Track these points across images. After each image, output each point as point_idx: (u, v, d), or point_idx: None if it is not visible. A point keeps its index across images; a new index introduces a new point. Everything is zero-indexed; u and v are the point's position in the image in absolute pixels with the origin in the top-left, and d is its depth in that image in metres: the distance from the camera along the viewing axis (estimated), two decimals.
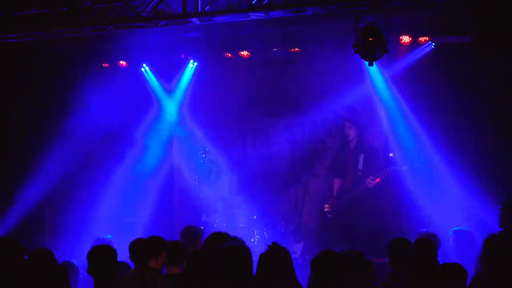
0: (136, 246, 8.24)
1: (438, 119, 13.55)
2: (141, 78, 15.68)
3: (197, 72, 15.59)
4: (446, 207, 13.13)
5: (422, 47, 13.72)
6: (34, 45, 13.37)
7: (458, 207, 13.04)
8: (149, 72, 15.66)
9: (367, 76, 14.10)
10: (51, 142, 14.59)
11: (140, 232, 12.23)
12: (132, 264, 8.38)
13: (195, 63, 15.44)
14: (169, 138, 16.35)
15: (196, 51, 15.20)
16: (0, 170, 14.36)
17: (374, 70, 13.77)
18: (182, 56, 15.40)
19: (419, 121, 13.75)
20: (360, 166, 13.20)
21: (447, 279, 6.33)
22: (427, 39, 13.47)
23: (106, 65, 15.56)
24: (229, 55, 15.09)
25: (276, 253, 7.18)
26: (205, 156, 15.04)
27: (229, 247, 5.86)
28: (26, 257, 8.21)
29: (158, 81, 15.82)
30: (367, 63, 10.82)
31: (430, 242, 7.99)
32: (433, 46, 13.50)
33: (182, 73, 15.65)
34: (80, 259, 8.82)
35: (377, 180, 12.85)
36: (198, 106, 16.01)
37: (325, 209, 13.52)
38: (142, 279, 7.57)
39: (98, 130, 15.25)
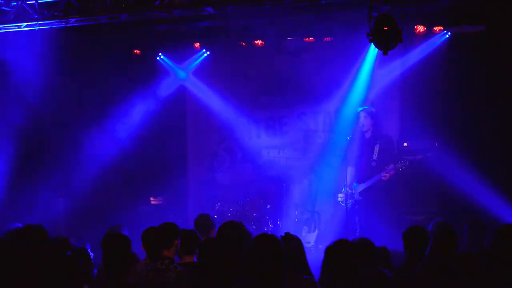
0: (148, 235, 8.25)
1: (454, 108, 13.51)
2: (156, 67, 15.74)
3: (211, 61, 15.59)
4: (460, 196, 13.10)
5: (437, 36, 13.68)
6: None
7: (472, 196, 13.00)
8: (166, 60, 15.69)
9: (381, 66, 14.05)
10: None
11: (154, 220, 12.24)
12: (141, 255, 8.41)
13: (207, 52, 15.42)
14: (183, 126, 16.40)
15: (210, 40, 15.18)
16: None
17: (388, 59, 13.72)
18: (198, 45, 15.40)
19: (434, 109, 13.72)
20: (375, 156, 13.15)
21: (465, 268, 6.32)
22: (442, 28, 13.43)
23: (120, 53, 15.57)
24: (243, 44, 15.07)
25: (289, 244, 7.20)
26: (219, 145, 15.03)
27: (262, 237, 5.84)
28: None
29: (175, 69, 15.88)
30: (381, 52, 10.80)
31: (451, 231, 7.99)
32: (448, 36, 13.46)
33: (195, 62, 15.67)
34: (92, 247, 8.84)
35: (392, 172, 12.81)
36: (212, 94, 16.03)
37: (339, 199, 13.49)
38: (155, 268, 7.58)
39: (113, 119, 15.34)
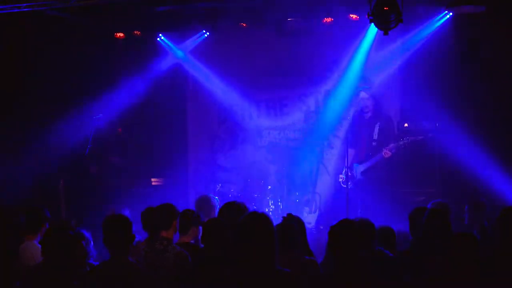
0: (147, 216, 8.27)
1: (454, 88, 13.49)
2: (154, 48, 15.66)
3: (211, 42, 15.56)
4: (461, 177, 13.11)
5: (438, 17, 13.63)
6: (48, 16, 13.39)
7: (473, 177, 13.01)
8: (165, 41, 15.62)
9: (382, 46, 14.02)
10: (66, 112, 14.61)
11: (154, 202, 12.25)
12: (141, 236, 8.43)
13: (207, 33, 15.39)
14: (183, 107, 16.39)
15: (210, 21, 15.13)
16: (18, 140, 14.38)
17: (388, 40, 13.68)
18: (198, 26, 15.32)
19: (435, 90, 13.68)
20: (375, 136, 13.20)
21: (460, 248, 6.34)
22: (443, 8, 13.38)
23: (121, 35, 15.52)
24: (244, 25, 15.02)
25: (290, 224, 7.22)
26: (219, 126, 14.98)
27: (252, 215, 5.87)
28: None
29: (174, 49, 15.81)
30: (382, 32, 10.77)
31: (442, 212, 7.99)
32: (449, 16, 13.41)
33: (196, 43, 15.62)
34: (93, 230, 8.82)
35: (393, 151, 12.85)
36: (212, 76, 15.99)
37: (340, 180, 13.52)
38: (153, 248, 7.60)
39: (114, 100, 15.29)
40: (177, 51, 15.83)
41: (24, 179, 13.88)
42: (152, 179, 15.26)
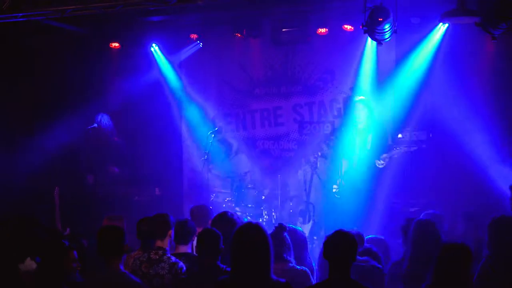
0: (142, 225, 8.27)
1: (449, 98, 13.51)
2: (150, 58, 15.68)
3: (206, 52, 15.59)
4: (456, 187, 13.14)
5: (432, 27, 13.67)
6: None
7: (467, 187, 13.03)
8: (158, 51, 15.65)
9: (375, 56, 14.05)
10: (58, 121, 14.62)
11: (148, 211, 12.27)
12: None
13: (200, 44, 15.44)
14: (178, 118, 16.39)
15: (205, 30, 15.17)
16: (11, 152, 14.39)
17: (382, 50, 13.72)
18: (194, 37, 15.35)
19: (429, 101, 13.71)
20: (368, 146, 13.21)
21: (450, 258, 6.37)
22: (437, 19, 13.42)
23: (116, 45, 15.52)
24: (239, 35, 15.05)
25: (281, 234, 7.26)
26: (213, 136, 14.94)
27: (246, 226, 5.92)
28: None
29: (168, 60, 15.82)
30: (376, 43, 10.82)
31: (429, 222, 8.00)
32: (443, 26, 13.45)
33: (191, 53, 15.66)
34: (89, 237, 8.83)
35: (386, 161, 12.87)
36: (207, 86, 16.03)
37: (334, 190, 13.53)
38: (148, 258, 7.60)
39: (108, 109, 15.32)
40: (171, 61, 15.85)
41: (18, 184, 13.90)
42: (146, 189, 15.29)
